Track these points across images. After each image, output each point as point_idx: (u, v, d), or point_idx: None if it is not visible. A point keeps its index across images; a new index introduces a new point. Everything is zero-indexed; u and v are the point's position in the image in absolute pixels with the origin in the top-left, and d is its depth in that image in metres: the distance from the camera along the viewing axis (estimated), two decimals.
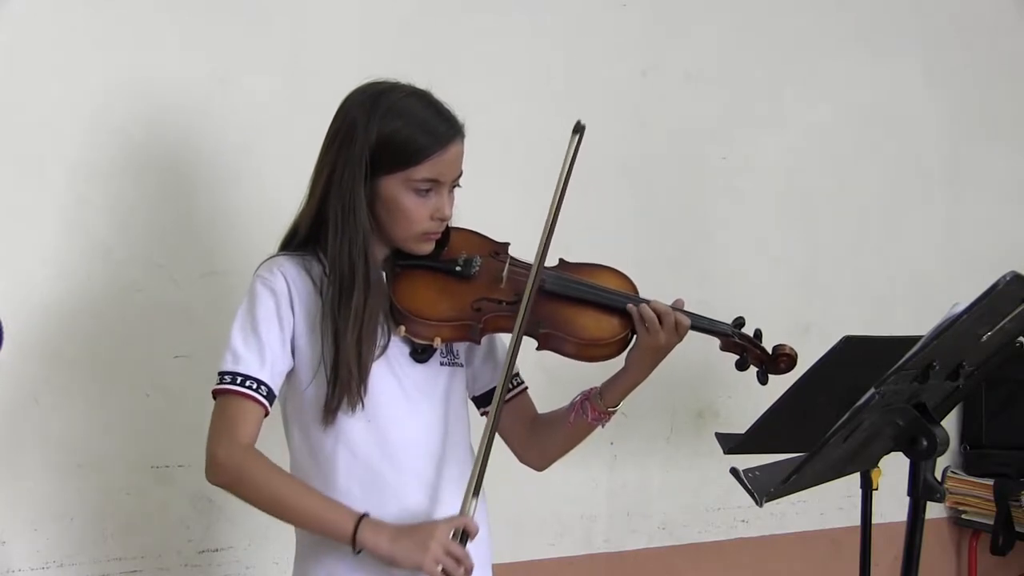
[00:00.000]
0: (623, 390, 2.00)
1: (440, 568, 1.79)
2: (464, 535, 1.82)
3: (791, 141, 3.36)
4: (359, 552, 1.81)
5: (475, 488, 1.85)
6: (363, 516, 1.81)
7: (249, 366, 1.84)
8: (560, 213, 1.93)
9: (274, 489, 1.83)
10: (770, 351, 2.04)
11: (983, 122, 3.71)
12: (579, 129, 1.94)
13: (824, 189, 3.42)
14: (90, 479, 2.39)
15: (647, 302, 1.97)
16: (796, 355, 2.04)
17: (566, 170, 1.93)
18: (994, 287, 1.61)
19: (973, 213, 3.70)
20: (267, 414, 1.87)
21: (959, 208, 3.69)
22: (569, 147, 1.93)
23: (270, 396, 1.86)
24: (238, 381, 1.84)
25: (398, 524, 1.84)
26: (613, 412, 2.01)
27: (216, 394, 1.86)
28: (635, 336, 1.98)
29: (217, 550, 2.52)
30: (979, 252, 3.62)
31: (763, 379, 2.06)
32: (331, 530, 1.82)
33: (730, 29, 3.25)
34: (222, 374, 1.85)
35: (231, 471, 1.83)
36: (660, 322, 1.94)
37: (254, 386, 1.84)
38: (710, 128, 3.22)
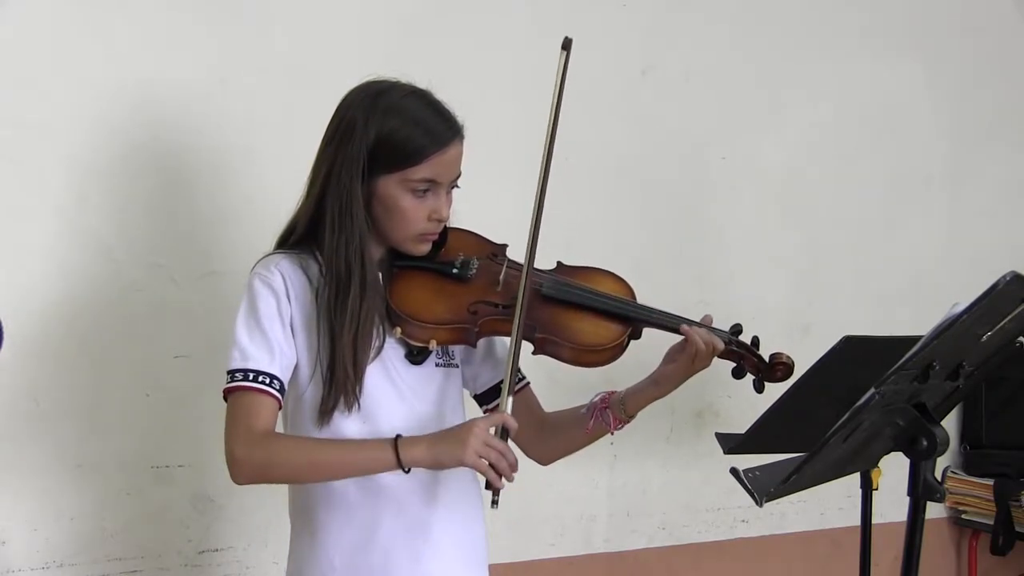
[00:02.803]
0: (647, 401, 1.99)
1: (484, 461, 1.77)
2: (504, 431, 1.81)
3: (791, 141, 3.36)
4: (408, 471, 1.80)
5: (510, 388, 1.85)
6: (396, 439, 1.79)
7: (259, 361, 1.82)
8: (551, 164, 1.92)
9: (303, 460, 1.82)
10: (767, 359, 2.03)
11: (983, 122, 3.71)
12: (567, 45, 1.93)
13: (824, 189, 3.42)
14: (90, 479, 2.39)
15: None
16: (793, 364, 2.03)
17: (558, 88, 1.92)
18: (994, 287, 1.61)
19: (973, 213, 3.70)
20: (280, 407, 1.85)
21: (959, 208, 3.69)
22: (559, 64, 1.91)
23: (282, 390, 1.84)
24: (250, 377, 1.81)
25: (434, 433, 1.83)
26: (631, 419, 2.01)
27: (227, 393, 1.83)
28: (632, 342, 1.97)
29: (217, 550, 2.52)
30: (979, 252, 3.62)
31: (759, 387, 2.04)
32: (374, 467, 1.81)
33: (730, 29, 3.25)
34: (232, 372, 1.83)
35: (255, 465, 1.80)
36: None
37: (267, 381, 1.82)
38: (710, 128, 3.22)
